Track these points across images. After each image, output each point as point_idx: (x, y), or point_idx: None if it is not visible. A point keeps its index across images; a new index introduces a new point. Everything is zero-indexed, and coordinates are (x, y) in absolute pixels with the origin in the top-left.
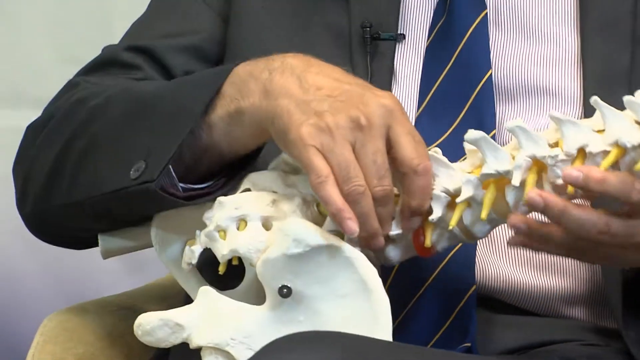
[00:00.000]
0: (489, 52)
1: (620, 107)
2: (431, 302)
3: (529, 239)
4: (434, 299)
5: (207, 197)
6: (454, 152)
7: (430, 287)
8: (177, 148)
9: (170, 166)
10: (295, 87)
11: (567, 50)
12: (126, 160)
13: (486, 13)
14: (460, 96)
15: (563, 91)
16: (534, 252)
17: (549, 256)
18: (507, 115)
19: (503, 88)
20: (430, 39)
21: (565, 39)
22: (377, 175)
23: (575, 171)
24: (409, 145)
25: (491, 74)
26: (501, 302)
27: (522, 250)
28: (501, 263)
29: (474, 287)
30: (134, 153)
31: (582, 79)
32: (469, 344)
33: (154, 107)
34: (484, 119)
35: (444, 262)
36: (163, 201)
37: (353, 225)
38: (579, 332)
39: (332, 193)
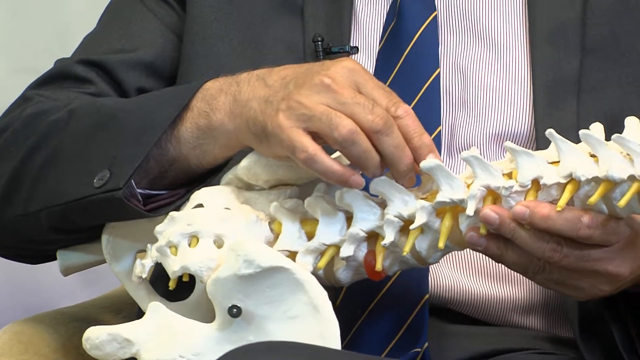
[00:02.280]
0: (438, 53)
1: (569, 116)
2: (384, 313)
3: (494, 240)
4: (387, 310)
5: (168, 207)
6: None
7: (384, 298)
8: (144, 156)
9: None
10: (261, 88)
11: (516, 56)
12: (90, 170)
13: (436, 15)
14: (407, 95)
15: (512, 98)
16: (489, 263)
17: (504, 266)
18: (457, 119)
19: (453, 91)
20: (381, 45)
21: (514, 45)
22: (366, 111)
23: (522, 207)
24: (382, 97)
25: (439, 73)
26: (456, 313)
27: (477, 261)
28: (456, 274)
29: (426, 296)
30: (98, 163)
31: (532, 86)
32: (419, 349)
33: (119, 120)
34: (430, 118)
35: (397, 273)
36: (126, 211)
37: (358, 180)
38: (535, 342)
39: (324, 162)
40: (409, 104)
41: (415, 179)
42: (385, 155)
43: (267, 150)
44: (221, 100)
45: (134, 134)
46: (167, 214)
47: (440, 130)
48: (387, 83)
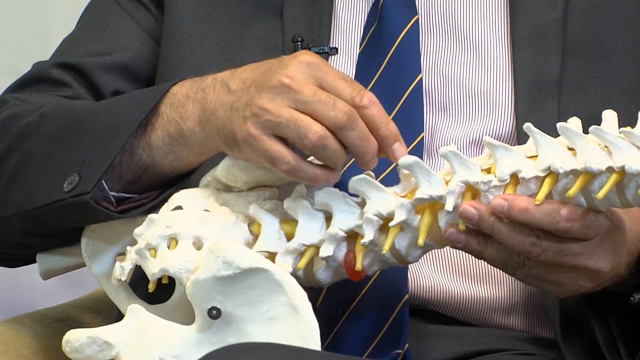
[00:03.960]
0: (420, 57)
1: (551, 117)
2: (364, 314)
3: (474, 236)
4: (366, 311)
5: (139, 209)
6: (383, 159)
7: (364, 299)
8: (112, 160)
9: (103, 181)
10: (225, 94)
11: (498, 58)
12: (60, 174)
13: (417, 18)
14: (390, 101)
15: (494, 99)
16: (469, 262)
17: (485, 266)
18: (438, 122)
19: (434, 94)
20: (362, 47)
21: (496, 46)
22: (328, 108)
23: (501, 200)
24: (344, 88)
25: (421, 78)
26: (436, 313)
27: (457, 261)
28: (435, 274)
29: (406, 297)
30: (67, 167)
31: (513, 87)
32: (400, 351)
33: (88, 123)
34: (413, 123)
35: (376, 274)
36: (97, 214)
37: (337, 176)
38: (515, 342)
39: (307, 171)
40: (392, 109)
41: (377, 162)
42: (351, 148)
43: (240, 155)
44: (189, 108)
45: (101, 138)
46: (140, 215)
47: (423, 137)
48: (369, 87)
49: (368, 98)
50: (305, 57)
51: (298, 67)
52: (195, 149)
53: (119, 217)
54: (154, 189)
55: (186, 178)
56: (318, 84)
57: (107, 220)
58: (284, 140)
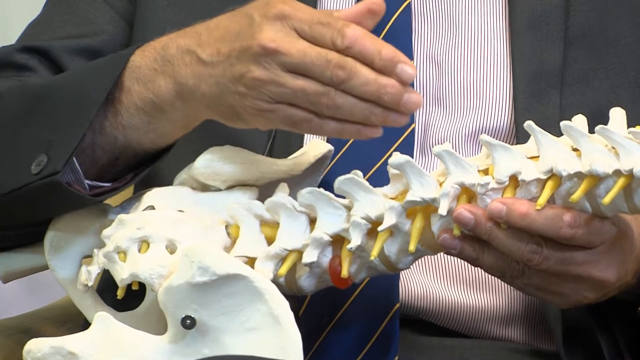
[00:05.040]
0: (411, 45)
1: (552, 110)
2: (351, 324)
3: (469, 243)
4: (354, 321)
5: (114, 192)
6: (371, 153)
7: (350, 308)
8: (81, 137)
9: (74, 159)
10: (201, 69)
11: (495, 46)
12: (25, 156)
13: (409, 2)
14: None
15: (491, 91)
16: (465, 268)
17: (482, 272)
18: (431, 116)
19: (426, 85)
20: None
21: (493, 34)
22: (321, 67)
23: (499, 204)
24: (324, 32)
25: None
26: (428, 323)
27: (451, 267)
28: (428, 280)
29: (397, 306)
30: (33, 148)
31: (512, 78)
32: None
33: (50, 99)
34: None
35: (365, 281)
36: (69, 198)
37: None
38: (514, 355)
39: (335, 129)
40: None
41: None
42: (360, 96)
43: (245, 126)
44: (161, 83)
45: (67, 113)
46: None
47: (413, 128)
48: None
49: (349, 36)
50: (275, 10)
51: (274, 26)
52: (180, 122)
53: (92, 200)
54: (130, 171)
55: (165, 154)
56: (298, 33)
57: (79, 207)
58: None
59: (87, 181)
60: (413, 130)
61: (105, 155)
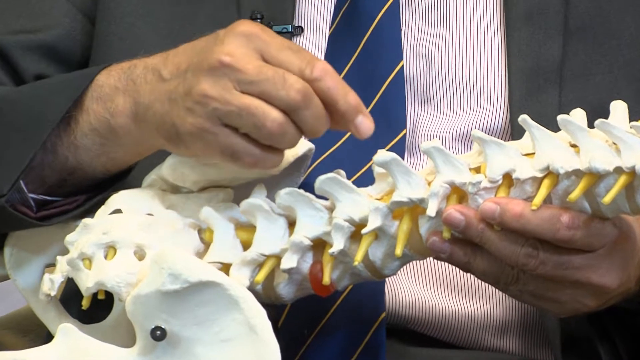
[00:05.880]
0: (401, 41)
1: (550, 108)
2: (333, 335)
3: (460, 246)
4: (336, 331)
5: (63, 217)
6: (356, 158)
7: (333, 317)
8: (31, 158)
9: (21, 181)
10: (158, 84)
11: (489, 40)
12: None
13: None
14: (366, 92)
15: (485, 88)
16: (456, 274)
17: (473, 278)
18: (421, 115)
19: (416, 82)
20: (333, 27)
21: (487, 27)
22: (278, 86)
23: (492, 204)
24: (291, 59)
25: (402, 65)
26: (417, 333)
27: (441, 272)
28: (416, 287)
29: (383, 315)
30: None
31: (507, 74)
32: None
33: (3, 113)
34: (393, 118)
35: (348, 288)
36: (13, 220)
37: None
38: None
39: (274, 159)
40: (369, 101)
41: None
42: (305, 129)
43: (187, 152)
44: (120, 102)
45: (20, 131)
46: (64, 222)
47: (405, 133)
48: (342, 75)
49: (320, 69)
50: (243, 27)
51: (236, 41)
52: (132, 148)
53: (38, 224)
54: (82, 193)
55: (121, 180)
56: (262, 58)
57: (24, 228)
58: (234, 129)
59: (32, 195)
60: (404, 135)
61: (54, 176)
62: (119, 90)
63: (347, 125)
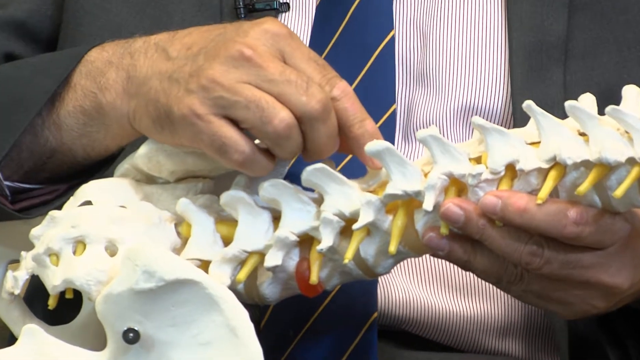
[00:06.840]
0: (392, 11)
1: (554, 88)
2: (321, 337)
3: (459, 243)
4: (325, 333)
5: (43, 208)
6: None
7: (320, 319)
8: (12, 144)
9: None
10: (162, 62)
11: (489, 14)
12: None
13: None
14: (353, 64)
15: (484, 65)
16: (454, 272)
17: (473, 276)
18: (415, 94)
19: (409, 59)
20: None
21: (486, 1)
22: (300, 91)
23: (493, 197)
24: (314, 72)
25: (393, 36)
26: (412, 335)
27: (439, 270)
28: (411, 286)
29: (374, 316)
30: None
31: (508, 51)
32: None
33: None
34: (382, 92)
35: (337, 287)
36: None
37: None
38: None
39: (262, 164)
40: (355, 75)
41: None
42: (311, 143)
43: (170, 139)
44: (111, 76)
45: (2, 114)
46: (44, 214)
47: (394, 110)
48: (328, 49)
49: (340, 88)
50: (272, 25)
51: (261, 37)
52: (114, 129)
53: (16, 216)
54: (60, 181)
55: (103, 169)
56: (283, 62)
57: (4, 220)
58: (234, 123)
59: (7, 183)
60: (394, 112)
61: (32, 159)
62: (113, 64)
63: (358, 152)
